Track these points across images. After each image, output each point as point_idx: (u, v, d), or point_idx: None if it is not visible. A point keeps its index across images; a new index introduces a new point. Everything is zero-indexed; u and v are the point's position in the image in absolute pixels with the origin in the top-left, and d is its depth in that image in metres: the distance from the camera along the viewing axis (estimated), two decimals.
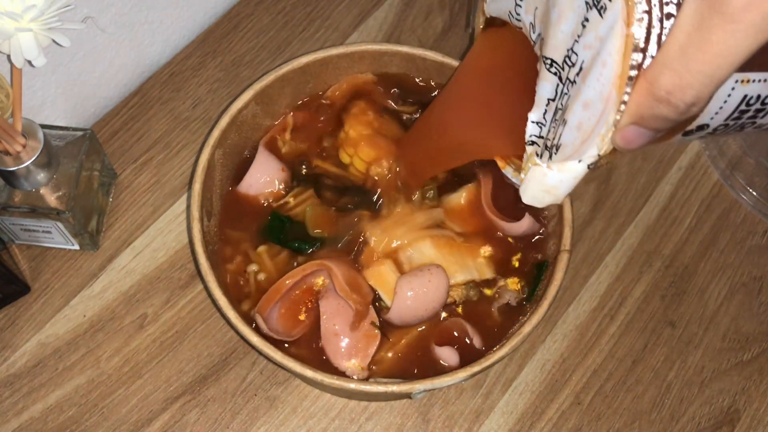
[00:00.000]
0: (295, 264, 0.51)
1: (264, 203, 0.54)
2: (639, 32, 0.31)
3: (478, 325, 0.51)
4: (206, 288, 0.54)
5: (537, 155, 0.41)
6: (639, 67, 0.31)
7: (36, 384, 0.55)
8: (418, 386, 0.45)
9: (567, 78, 0.37)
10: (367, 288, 0.50)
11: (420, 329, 0.51)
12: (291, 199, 0.54)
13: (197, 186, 0.50)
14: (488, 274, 0.52)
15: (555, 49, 0.38)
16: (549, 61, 0.39)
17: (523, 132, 0.42)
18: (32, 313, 0.58)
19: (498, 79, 0.48)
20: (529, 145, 0.42)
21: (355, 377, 0.49)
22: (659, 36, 0.31)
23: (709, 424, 0.58)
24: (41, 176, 0.53)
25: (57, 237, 0.58)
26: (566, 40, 0.37)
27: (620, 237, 0.64)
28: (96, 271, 0.59)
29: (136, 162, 0.64)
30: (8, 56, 0.47)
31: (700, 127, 0.36)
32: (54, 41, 0.47)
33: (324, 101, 0.58)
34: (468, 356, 0.50)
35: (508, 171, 0.46)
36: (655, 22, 0.31)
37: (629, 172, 0.67)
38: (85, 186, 0.57)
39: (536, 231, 0.53)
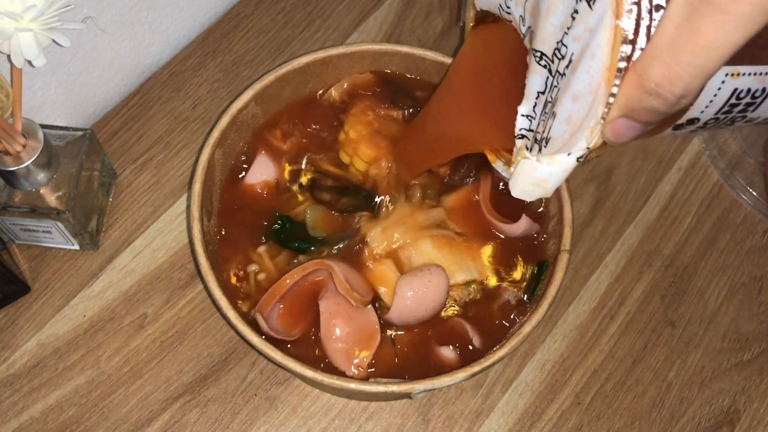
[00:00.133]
0: (295, 263, 0.51)
1: (264, 203, 0.54)
2: (628, 24, 0.31)
3: (478, 325, 0.51)
4: (206, 288, 0.54)
5: (527, 148, 0.41)
6: (628, 59, 0.31)
7: (36, 384, 0.55)
8: (418, 386, 0.45)
9: (557, 70, 0.37)
10: (368, 287, 0.50)
11: (420, 329, 0.51)
12: (294, 197, 0.54)
13: (197, 186, 0.50)
14: (488, 273, 0.53)
15: (544, 42, 0.38)
16: (539, 54, 0.39)
17: (513, 125, 0.42)
18: (32, 313, 0.58)
19: (489, 74, 0.48)
20: (519, 138, 0.42)
21: (355, 377, 0.49)
22: (648, 28, 0.31)
23: (709, 424, 0.58)
24: (41, 176, 0.53)
25: (57, 237, 0.58)
26: (556, 33, 0.37)
27: (620, 237, 0.64)
28: (96, 271, 0.59)
29: (136, 162, 0.64)
30: (8, 56, 0.47)
31: (691, 121, 0.35)
32: (54, 41, 0.47)
33: (324, 101, 0.58)
34: (468, 356, 0.50)
35: (498, 165, 0.46)
36: (644, 14, 0.31)
37: (629, 172, 0.67)
38: (85, 186, 0.57)
39: (535, 232, 0.53)
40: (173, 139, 0.65)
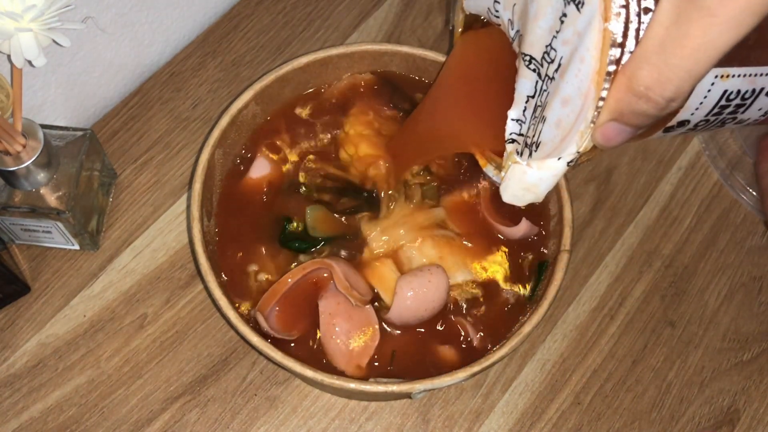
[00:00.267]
0: (295, 263, 0.51)
1: (264, 203, 0.54)
2: (617, 27, 0.31)
3: (478, 324, 0.51)
4: (206, 288, 0.54)
5: (517, 153, 0.41)
6: (617, 62, 0.31)
7: (36, 384, 0.55)
8: (418, 386, 0.45)
9: (546, 74, 0.37)
10: (368, 286, 0.50)
11: (420, 329, 0.51)
12: (294, 197, 0.54)
13: (197, 186, 0.50)
14: (488, 273, 0.53)
15: (533, 46, 0.38)
16: (528, 58, 0.38)
17: (504, 128, 0.42)
18: (32, 313, 0.58)
19: (478, 78, 0.48)
20: (509, 143, 0.42)
21: (354, 377, 0.49)
22: (637, 31, 0.31)
23: (709, 424, 0.58)
24: (41, 176, 0.53)
25: (57, 237, 0.58)
26: (544, 36, 0.37)
27: (620, 237, 0.64)
28: (96, 271, 0.59)
29: (136, 162, 0.64)
30: (8, 56, 0.47)
31: (681, 123, 0.35)
32: (54, 41, 0.47)
33: (324, 101, 0.58)
34: (468, 356, 0.50)
35: (489, 169, 0.46)
36: (633, 17, 0.31)
37: (629, 172, 0.67)
38: (85, 186, 0.57)
39: (535, 233, 0.53)
40: (173, 139, 0.65)
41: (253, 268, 0.52)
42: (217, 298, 0.47)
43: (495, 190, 0.54)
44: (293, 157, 0.56)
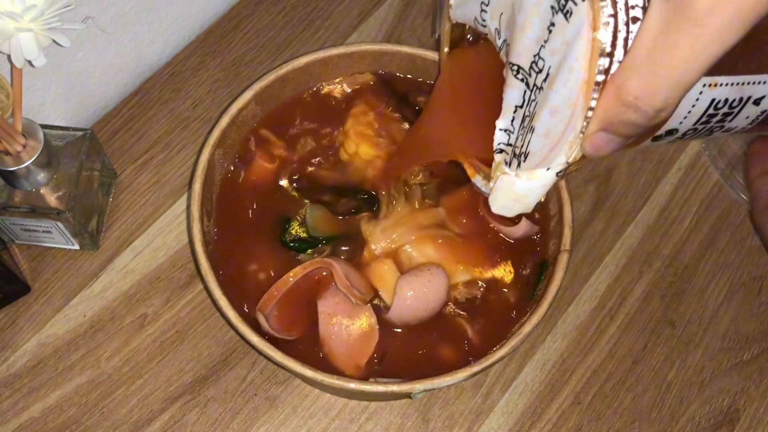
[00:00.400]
0: (296, 263, 0.51)
1: (264, 203, 0.54)
2: (605, 36, 0.31)
3: (478, 324, 0.51)
4: (206, 288, 0.54)
5: (506, 163, 0.41)
6: (606, 71, 0.31)
7: (36, 384, 0.55)
8: (418, 386, 0.45)
9: (534, 84, 0.37)
10: (368, 285, 0.50)
11: (420, 329, 0.51)
12: (294, 197, 0.54)
13: (197, 186, 0.50)
14: (488, 273, 0.52)
15: (521, 55, 0.38)
16: (516, 68, 0.38)
17: (491, 138, 0.41)
18: (32, 313, 0.58)
19: (467, 91, 0.48)
20: (498, 153, 0.42)
21: (354, 377, 0.49)
22: (626, 40, 0.31)
23: (709, 424, 0.58)
24: (41, 176, 0.53)
25: (57, 237, 0.58)
26: (532, 46, 0.36)
27: (620, 237, 0.64)
28: (96, 271, 0.59)
29: (136, 162, 0.64)
30: (8, 56, 0.47)
31: (669, 132, 0.35)
32: (54, 41, 0.47)
33: (324, 101, 0.58)
34: (468, 356, 0.50)
35: (477, 180, 0.46)
36: (621, 26, 0.30)
37: (629, 172, 0.67)
38: (85, 186, 0.57)
39: (534, 233, 0.53)
40: (173, 139, 0.65)
41: (253, 267, 0.52)
42: (217, 298, 0.47)
43: None
44: (293, 157, 0.56)
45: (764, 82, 0.35)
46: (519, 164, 0.39)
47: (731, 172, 0.66)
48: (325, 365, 0.49)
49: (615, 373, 0.59)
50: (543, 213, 0.54)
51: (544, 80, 0.35)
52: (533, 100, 0.37)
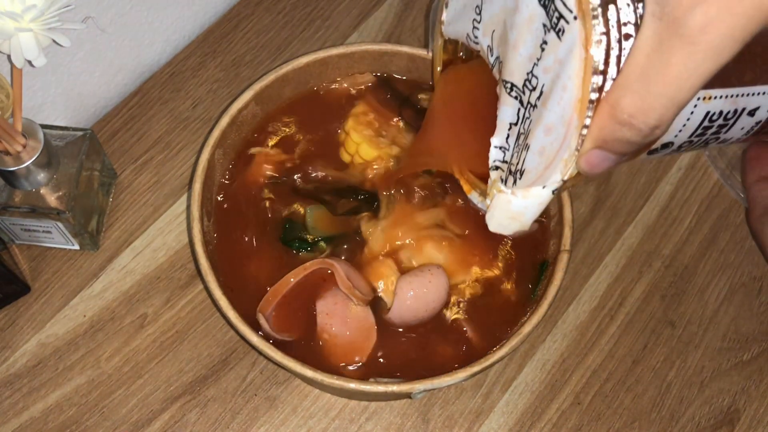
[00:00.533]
0: (296, 263, 0.51)
1: (264, 203, 0.54)
2: (598, 54, 0.31)
3: (478, 325, 0.51)
4: (206, 288, 0.54)
5: (501, 180, 0.40)
6: (600, 89, 0.31)
7: (36, 384, 0.55)
8: (418, 386, 0.45)
9: (528, 102, 0.37)
10: (369, 285, 0.50)
11: (420, 329, 0.51)
12: (294, 197, 0.54)
13: (197, 186, 0.50)
14: (488, 273, 0.52)
15: (514, 73, 0.37)
16: (509, 85, 0.38)
17: (487, 154, 0.41)
18: (32, 313, 0.58)
19: (461, 109, 0.48)
20: (493, 170, 0.41)
21: (352, 377, 0.49)
22: (618, 57, 0.30)
23: (709, 424, 0.58)
24: (41, 176, 0.53)
25: (57, 237, 0.58)
26: (525, 64, 0.36)
27: (620, 237, 0.64)
28: (96, 271, 0.59)
29: (136, 162, 0.64)
30: (8, 56, 0.47)
31: (665, 146, 0.35)
32: (54, 41, 0.47)
33: (324, 101, 0.58)
34: (468, 356, 0.50)
35: (474, 196, 0.46)
36: (614, 44, 0.30)
37: (629, 172, 0.67)
38: (85, 186, 0.57)
39: (534, 232, 0.53)
40: (173, 139, 0.65)
41: (253, 267, 0.52)
42: (217, 298, 0.47)
43: None
44: (293, 157, 0.56)
45: (758, 94, 0.35)
46: (515, 181, 0.39)
47: (731, 172, 0.66)
48: (323, 365, 0.49)
49: (615, 373, 0.59)
50: (543, 213, 0.54)
51: (538, 98, 0.35)
52: (527, 118, 0.37)
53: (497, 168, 0.41)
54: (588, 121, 0.32)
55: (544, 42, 0.34)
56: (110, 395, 0.55)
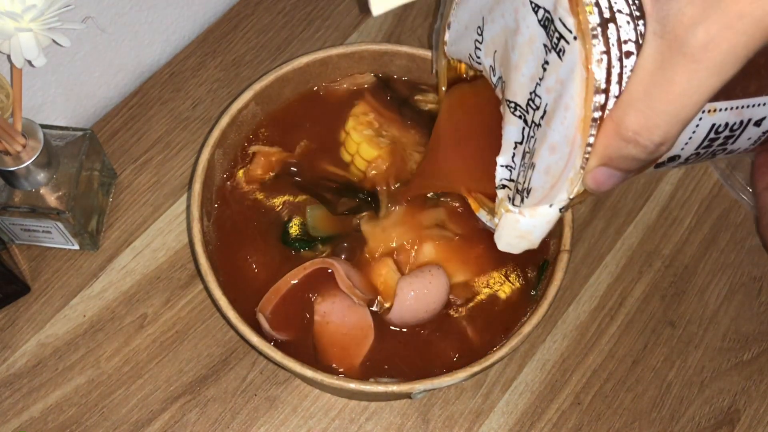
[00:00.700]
0: (296, 262, 0.51)
1: (264, 203, 0.54)
2: (599, 73, 0.31)
3: (479, 325, 0.51)
4: (206, 288, 0.54)
5: (509, 198, 0.41)
6: (602, 108, 0.31)
7: (36, 384, 0.55)
8: (418, 386, 0.45)
9: (532, 121, 0.37)
10: (369, 285, 0.50)
11: (420, 329, 0.51)
12: (294, 196, 0.54)
13: (197, 186, 0.50)
14: (488, 274, 0.52)
15: (517, 93, 0.38)
16: (513, 105, 0.38)
17: (494, 173, 0.42)
18: (32, 313, 0.58)
19: (467, 128, 0.48)
20: (500, 188, 0.42)
21: (351, 376, 0.49)
22: (620, 75, 0.31)
23: (709, 424, 0.58)
24: (41, 176, 0.53)
25: (57, 237, 0.58)
26: (527, 84, 0.36)
27: (620, 237, 0.64)
28: (96, 271, 0.59)
29: (136, 162, 0.64)
30: (8, 56, 0.47)
31: (672, 159, 0.35)
32: (54, 41, 0.47)
33: (324, 101, 0.58)
34: (468, 356, 0.50)
35: (482, 214, 0.46)
36: (615, 62, 0.30)
37: None
38: (85, 186, 0.57)
39: None
40: (173, 139, 0.65)
41: (253, 267, 0.52)
42: (217, 298, 0.47)
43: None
44: (293, 156, 0.56)
45: (764, 104, 0.35)
46: (522, 200, 0.39)
47: (731, 172, 0.66)
48: (320, 365, 0.49)
49: (615, 373, 0.59)
50: None
51: (542, 117, 0.35)
52: (532, 137, 0.37)
53: (504, 187, 0.41)
54: (591, 140, 0.32)
55: (546, 62, 0.34)
56: (110, 395, 0.55)
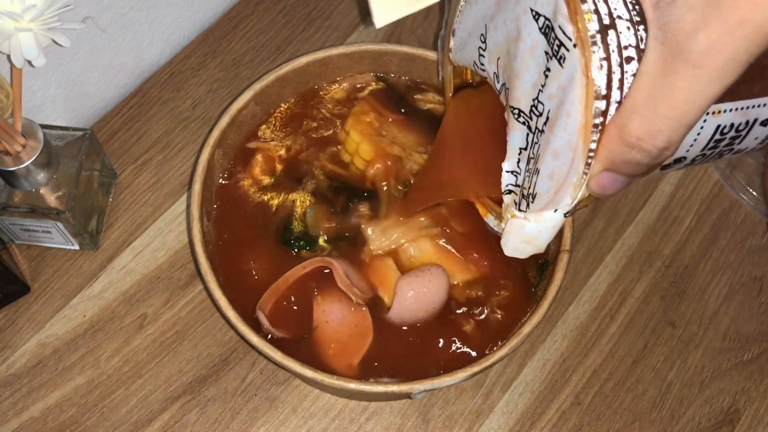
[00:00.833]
0: (295, 262, 0.51)
1: (264, 202, 0.54)
2: (599, 80, 0.31)
3: (479, 324, 0.51)
4: (206, 288, 0.54)
5: (515, 203, 0.41)
6: (604, 113, 0.31)
7: (36, 384, 0.55)
8: (418, 386, 0.45)
9: (536, 127, 0.37)
10: (368, 284, 0.50)
11: (420, 329, 0.51)
12: (294, 195, 0.54)
13: (197, 186, 0.50)
14: (488, 273, 0.52)
15: (520, 100, 0.38)
16: (516, 111, 0.39)
17: (500, 178, 0.42)
18: (32, 313, 0.58)
19: (472, 133, 0.48)
20: (506, 194, 0.42)
21: (350, 376, 0.49)
22: (621, 81, 0.31)
23: (709, 424, 0.58)
24: (41, 176, 0.53)
25: (57, 237, 0.58)
26: (530, 91, 0.37)
27: (620, 237, 0.64)
28: (96, 271, 0.59)
29: (136, 162, 0.64)
30: (8, 56, 0.47)
31: (678, 160, 0.35)
32: (54, 41, 0.47)
33: (324, 101, 0.58)
34: (468, 356, 0.50)
35: (490, 219, 0.46)
36: (615, 68, 0.31)
37: None
38: (85, 186, 0.57)
39: None
40: (173, 139, 0.65)
41: (253, 267, 0.52)
42: (217, 298, 0.47)
43: None
44: (293, 156, 0.56)
45: None
46: (528, 205, 0.39)
47: (731, 172, 0.66)
48: (318, 364, 0.49)
49: (615, 374, 0.59)
50: None
51: (545, 123, 0.36)
52: (536, 143, 0.37)
53: (510, 192, 0.42)
54: (593, 146, 0.32)
55: (547, 69, 0.34)
56: (110, 395, 0.55)
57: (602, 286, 0.62)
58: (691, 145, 0.34)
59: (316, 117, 0.57)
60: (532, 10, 0.35)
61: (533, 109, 0.37)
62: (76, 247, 0.59)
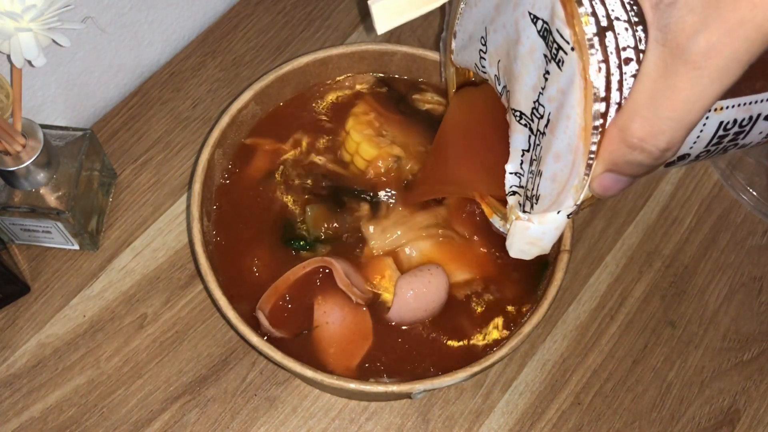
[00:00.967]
0: (295, 261, 0.51)
1: (264, 202, 0.54)
2: (598, 82, 0.31)
3: (478, 324, 0.51)
4: (206, 288, 0.54)
5: (519, 205, 0.41)
6: (603, 116, 0.31)
7: (36, 384, 0.55)
8: (418, 386, 0.45)
9: (537, 129, 0.37)
10: (368, 284, 0.50)
11: (420, 329, 0.51)
12: (294, 195, 0.54)
13: (197, 186, 0.50)
14: (488, 273, 0.52)
15: (521, 102, 0.38)
16: (518, 113, 0.39)
17: (503, 177, 0.42)
18: (32, 313, 0.58)
19: (475, 132, 0.49)
20: (511, 195, 0.42)
21: (350, 376, 0.49)
22: (620, 82, 0.31)
23: (709, 424, 0.58)
24: (41, 176, 0.53)
25: (57, 237, 0.58)
26: (531, 93, 0.37)
27: (620, 237, 0.64)
28: (96, 271, 0.59)
29: (136, 162, 0.64)
30: (8, 56, 0.47)
31: (681, 157, 0.36)
32: (54, 41, 0.47)
33: (324, 101, 0.58)
34: (468, 356, 0.50)
35: (496, 220, 0.46)
36: (614, 70, 0.31)
37: None
38: (85, 186, 0.57)
39: None
40: (173, 139, 0.65)
41: (253, 267, 0.52)
42: (217, 298, 0.47)
43: None
44: (293, 156, 0.56)
45: None
46: (531, 206, 0.39)
47: (731, 172, 0.66)
48: (318, 364, 0.49)
49: (615, 374, 0.59)
50: None
51: (546, 126, 0.36)
52: (538, 145, 0.37)
53: (515, 193, 0.42)
54: (594, 148, 0.32)
55: (547, 72, 0.35)
56: (110, 395, 0.55)
57: (602, 286, 0.62)
58: (695, 142, 0.34)
59: (316, 117, 0.57)
60: (530, 14, 0.35)
61: (534, 111, 0.37)
62: (76, 247, 0.59)
